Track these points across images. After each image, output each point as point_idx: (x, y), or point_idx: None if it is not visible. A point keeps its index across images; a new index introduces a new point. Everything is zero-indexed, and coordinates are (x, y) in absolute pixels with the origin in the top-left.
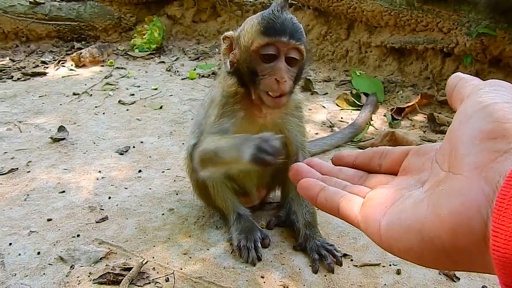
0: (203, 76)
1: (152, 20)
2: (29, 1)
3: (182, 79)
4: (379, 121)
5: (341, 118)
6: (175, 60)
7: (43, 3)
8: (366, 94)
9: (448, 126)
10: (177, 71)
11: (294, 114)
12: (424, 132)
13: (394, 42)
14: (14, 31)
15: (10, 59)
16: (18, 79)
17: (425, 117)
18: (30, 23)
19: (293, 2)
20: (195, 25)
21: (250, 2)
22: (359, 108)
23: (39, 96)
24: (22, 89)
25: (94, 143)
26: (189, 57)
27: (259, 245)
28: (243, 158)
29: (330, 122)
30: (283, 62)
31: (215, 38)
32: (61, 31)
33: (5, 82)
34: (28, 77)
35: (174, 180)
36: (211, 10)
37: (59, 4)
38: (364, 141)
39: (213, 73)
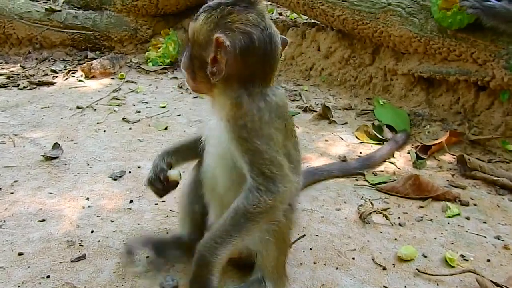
0: None
1: (168, 33)
2: (45, 8)
3: (193, 97)
4: (402, 159)
5: (360, 152)
6: None
7: (59, 11)
8: (390, 127)
9: (481, 170)
10: (189, 89)
11: (230, 122)
12: (453, 175)
13: (423, 71)
14: (28, 38)
15: (20, 65)
16: (24, 87)
17: (454, 158)
18: (44, 30)
19: (316, 22)
20: None
21: (272, 19)
22: (380, 142)
23: (42, 108)
24: (25, 98)
25: (88, 164)
26: None
27: None
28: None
29: (345, 157)
30: None
31: None
32: (75, 40)
33: (10, 90)
34: (35, 86)
35: (167, 216)
36: None
37: (75, 12)
38: (384, 183)
39: None
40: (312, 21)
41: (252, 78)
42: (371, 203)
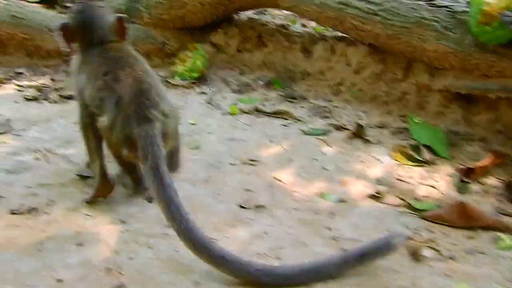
0: (244, 112)
1: (195, 48)
2: None
3: (222, 114)
4: (444, 182)
5: (399, 176)
6: (216, 92)
7: None
8: (428, 147)
9: None
10: (218, 104)
11: None
12: (500, 201)
13: (460, 87)
14: (57, 50)
15: (50, 78)
16: (54, 101)
17: (499, 182)
18: None
19: (345, 36)
20: (240, 54)
21: (299, 33)
22: (420, 164)
23: (72, 122)
24: (56, 112)
25: (122, 185)
26: (231, 89)
27: None
28: None
29: (387, 182)
30: None
31: (260, 69)
32: None
33: (40, 103)
34: (65, 99)
35: None
36: (257, 40)
37: None
38: (428, 210)
39: (256, 110)
40: (341, 35)
41: (82, 43)
42: (421, 235)
